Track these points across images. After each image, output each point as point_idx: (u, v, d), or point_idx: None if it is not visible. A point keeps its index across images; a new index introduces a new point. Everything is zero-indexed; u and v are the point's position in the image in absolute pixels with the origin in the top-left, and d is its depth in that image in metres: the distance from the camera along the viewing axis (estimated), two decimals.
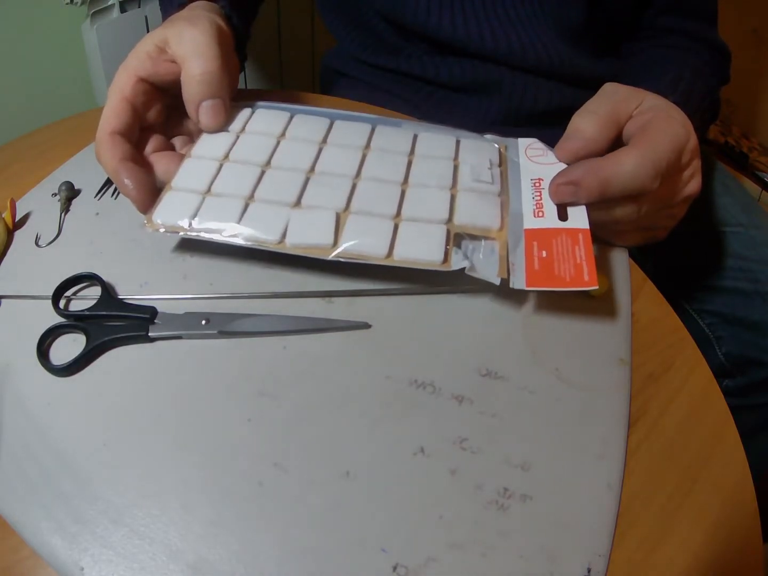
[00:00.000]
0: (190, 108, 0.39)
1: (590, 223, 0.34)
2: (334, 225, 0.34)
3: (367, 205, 0.36)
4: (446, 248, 0.34)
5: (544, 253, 0.33)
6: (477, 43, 0.54)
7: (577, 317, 0.36)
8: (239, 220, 0.35)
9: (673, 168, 0.36)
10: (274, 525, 0.27)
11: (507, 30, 0.53)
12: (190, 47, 0.38)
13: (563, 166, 0.37)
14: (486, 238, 0.35)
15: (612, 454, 0.30)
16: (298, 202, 0.36)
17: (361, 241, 0.34)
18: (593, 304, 0.36)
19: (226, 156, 0.39)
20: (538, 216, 0.35)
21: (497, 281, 0.33)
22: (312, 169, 0.38)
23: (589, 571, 0.26)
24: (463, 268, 0.33)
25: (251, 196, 0.36)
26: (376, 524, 0.27)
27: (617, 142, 0.37)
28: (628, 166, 0.34)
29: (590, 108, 0.37)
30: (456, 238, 0.34)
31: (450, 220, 0.35)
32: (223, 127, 0.40)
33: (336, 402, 0.31)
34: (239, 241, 0.34)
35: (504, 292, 0.36)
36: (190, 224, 0.35)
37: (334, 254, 0.34)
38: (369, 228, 0.34)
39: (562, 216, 0.35)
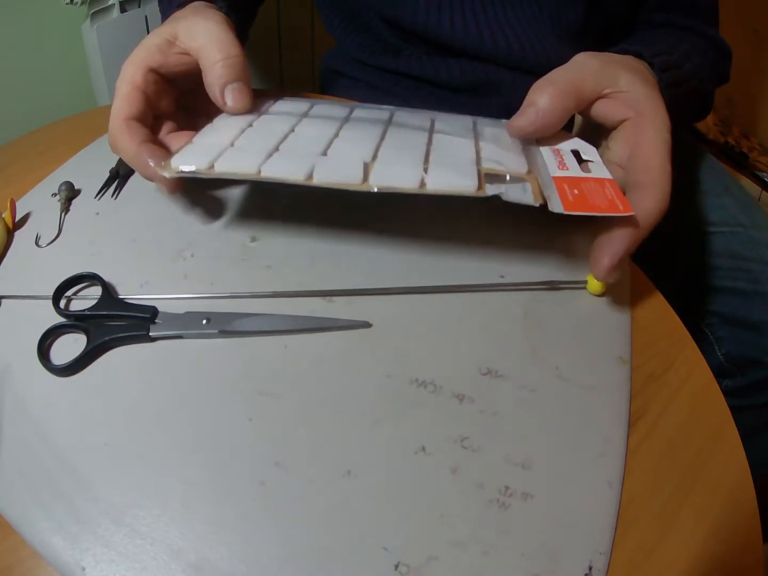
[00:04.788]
0: (215, 92, 0.39)
1: None
2: (363, 163, 0.33)
3: (396, 149, 0.35)
4: (479, 177, 0.33)
5: (576, 191, 0.33)
6: (476, 43, 0.54)
7: (577, 316, 0.36)
8: (263, 163, 0.33)
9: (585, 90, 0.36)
10: (276, 524, 0.27)
11: (506, 31, 0.53)
12: (205, 36, 0.38)
13: (578, 140, 0.37)
14: (516, 177, 0.34)
15: (612, 452, 0.30)
16: (324, 153, 0.35)
17: (392, 172, 0.33)
18: (593, 303, 0.36)
19: (250, 124, 0.38)
20: (563, 168, 0.35)
21: (535, 203, 0.32)
22: (337, 134, 0.37)
23: (590, 568, 0.26)
24: (498, 195, 0.32)
25: (276, 148, 0.35)
26: (377, 523, 0.27)
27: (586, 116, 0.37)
28: (652, 215, 0.34)
29: (551, 77, 0.36)
30: (486, 177, 0.33)
31: (478, 162, 0.35)
32: (248, 110, 0.40)
33: (337, 401, 0.31)
34: (266, 173, 0.33)
35: (504, 288, 0.37)
36: (212, 166, 0.33)
37: (365, 185, 0.32)
38: (400, 162, 0.34)
39: (585, 170, 0.35)
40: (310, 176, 0.33)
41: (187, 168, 0.33)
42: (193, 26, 0.38)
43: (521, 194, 0.33)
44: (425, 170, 0.33)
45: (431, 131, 0.39)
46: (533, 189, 0.33)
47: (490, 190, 0.32)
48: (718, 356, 0.55)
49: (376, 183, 0.32)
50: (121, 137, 0.36)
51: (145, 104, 0.38)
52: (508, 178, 0.34)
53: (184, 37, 0.38)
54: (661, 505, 0.29)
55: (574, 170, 0.35)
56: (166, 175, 0.34)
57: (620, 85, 0.35)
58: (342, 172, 0.33)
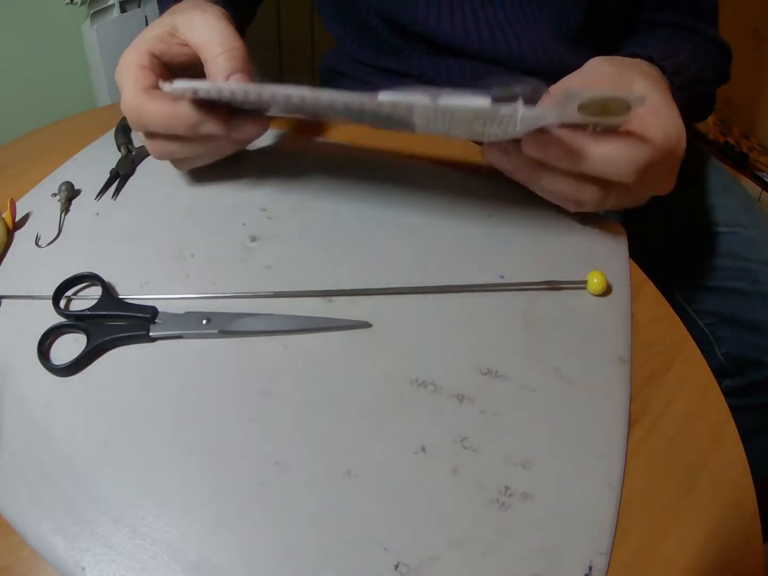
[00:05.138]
0: None
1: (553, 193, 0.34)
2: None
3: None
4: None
5: None
6: (475, 44, 0.54)
7: (577, 316, 0.36)
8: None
9: (652, 167, 0.35)
10: (276, 524, 0.27)
11: (505, 31, 0.53)
12: (206, 29, 0.38)
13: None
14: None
15: (612, 452, 0.30)
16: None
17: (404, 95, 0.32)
18: (593, 303, 0.36)
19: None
20: None
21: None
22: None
23: (590, 568, 0.26)
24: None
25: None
26: (377, 523, 0.27)
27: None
28: (604, 151, 0.33)
29: (565, 83, 0.36)
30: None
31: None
32: None
33: (337, 401, 0.31)
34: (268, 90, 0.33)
35: (504, 288, 0.37)
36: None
37: (377, 99, 0.31)
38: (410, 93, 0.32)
39: None
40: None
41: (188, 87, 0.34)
42: (192, 19, 0.39)
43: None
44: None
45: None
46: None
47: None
48: (718, 356, 0.55)
49: (389, 98, 0.31)
50: (149, 106, 0.36)
51: (155, 80, 0.38)
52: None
53: (184, 29, 0.39)
54: (661, 505, 0.29)
55: None
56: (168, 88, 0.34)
57: (635, 91, 0.35)
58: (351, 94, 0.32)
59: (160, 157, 0.41)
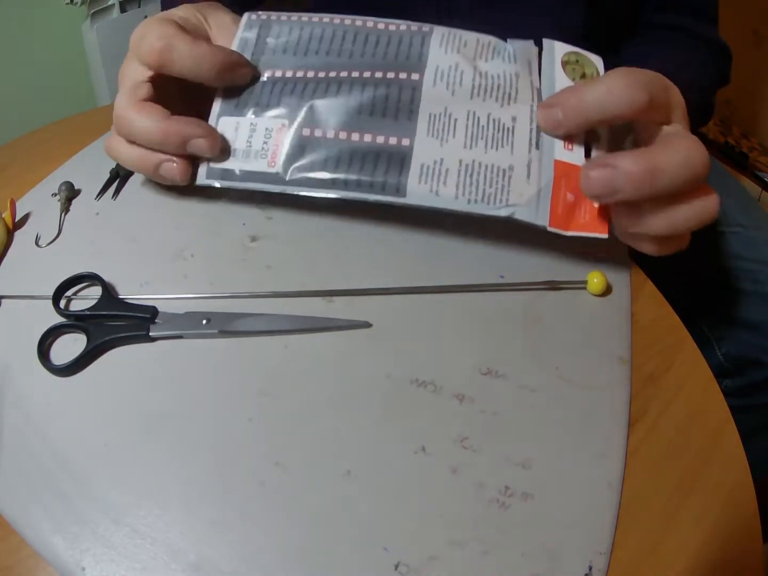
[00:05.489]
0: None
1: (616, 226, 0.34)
2: None
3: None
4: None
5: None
6: None
7: (577, 316, 0.36)
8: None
9: (659, 93, 0.32)
10: (276, 524, 0.27)
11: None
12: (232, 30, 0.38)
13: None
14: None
15: (612, 452, 0.30)
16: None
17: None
18: (593, 303, 0.36)
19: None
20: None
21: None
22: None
23: (590, 569, 0.26)
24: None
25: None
26: (377, 523, 0.27)
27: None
28: (602, 80, 0.32)
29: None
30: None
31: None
32: None
33: (337, 401, 0.31)
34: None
35: (504, 288, 0.37)
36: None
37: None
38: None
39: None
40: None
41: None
42: (223, 17, 0.39)
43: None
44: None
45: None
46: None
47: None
48: (718, 356, 0.55)
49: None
50: (208, 53, 0.35)
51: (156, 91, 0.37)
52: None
53: (214, 23, 0.38)
54: (661, 505, 0.29)
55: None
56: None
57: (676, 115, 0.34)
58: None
59: (129, 164, 0.39)
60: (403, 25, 0.39)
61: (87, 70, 0.97)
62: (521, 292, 0.37)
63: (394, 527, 0.27)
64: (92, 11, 0.90)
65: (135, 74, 0.37)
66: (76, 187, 0.43)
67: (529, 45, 0.39)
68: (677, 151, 0.30)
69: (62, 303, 0.35)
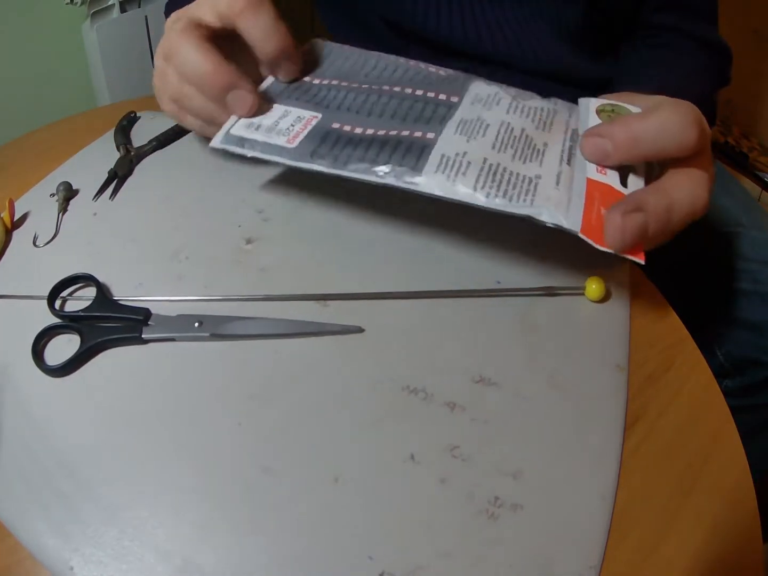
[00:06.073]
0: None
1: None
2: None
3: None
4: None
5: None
6: (475, 45, 0.54)
7: (574, 322, 0.35)
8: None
9: (702, 131, 0.32)
10: (262, 529, 0.26)
11: (505, 31, 0.53)
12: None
13: None
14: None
15: (606, 463, 0.29)
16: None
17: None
18: (591, 310, 0.36)
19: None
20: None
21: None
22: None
23: None
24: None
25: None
26: (363, 531, 0.26)
27: None
28: (656, 117, 0.31)
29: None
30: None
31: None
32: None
33: (327, 407, 0.31)
34: None
35: (500, 294, 0.36)
36: None
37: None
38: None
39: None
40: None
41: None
42: None
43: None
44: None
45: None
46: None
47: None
48: (718, 356, 0.54)
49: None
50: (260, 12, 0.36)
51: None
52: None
53: None
54: (661, 505, 0.28)
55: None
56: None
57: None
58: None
59: (174, 98, 0.39)
60: (450, 70, 0.41)
61: (87, 70, 0.97)
62: (518, 298, 0.36)
63: (380, 536, 0.26)
64: (92, 11, 0.90)
65: (199, 13, 0.37)
66: (74, 188, 0.43)
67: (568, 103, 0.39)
68: (653, 116, 0.31)
69: (57, 303, 0.35)
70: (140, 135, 0.49)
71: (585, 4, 0.52)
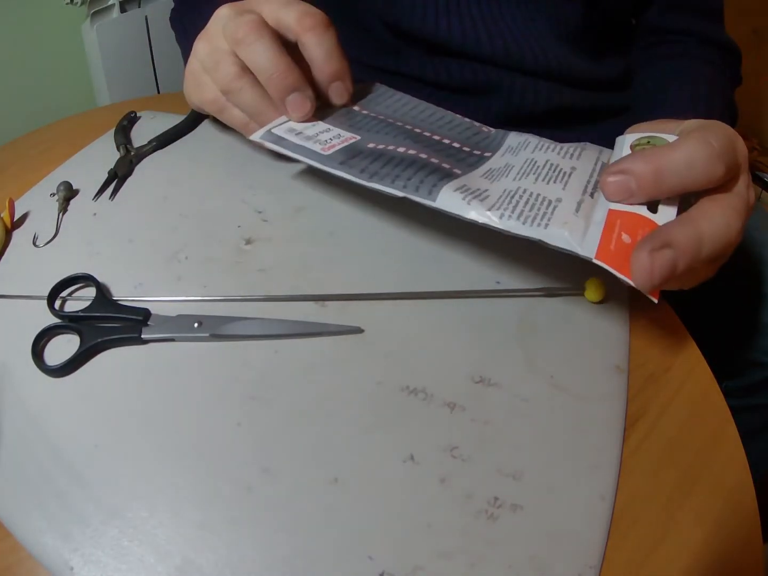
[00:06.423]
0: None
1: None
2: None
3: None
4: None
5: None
6: (473, 45, 0.54)
7: (573, 324, 0.35)
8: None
9: (732, 160, 0.30)
10: (262, 530, 0.26)
11: (503, 32, 0.53)
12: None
13: None
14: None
15: (606, 464, 0.29)
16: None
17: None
18: (590, 311, 0.36)
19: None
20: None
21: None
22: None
23: None
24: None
25: None
26: (363, 531, 0.26)
27: None
28: (681, 151, 0.29)
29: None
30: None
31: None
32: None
33: (326, 407, 0.31)
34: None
35: (500, 294, 0.36)
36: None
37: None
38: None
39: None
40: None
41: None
42: None
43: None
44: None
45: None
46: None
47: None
48: (718, 356, 0.54)
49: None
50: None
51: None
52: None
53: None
54: (661, 505, 0.28)
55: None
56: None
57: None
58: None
59: (225, 87, 0.40)
60: (492, 129, 0.42)
61: (87, 70, 0.97)
62: (517, 299, 0.36)
63: (379, 536, 0.26)
64: (92, 11, 0.90)
65: (263, 14, 0.38)
66: (74, 188, 0.43)
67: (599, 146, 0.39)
68: (678, 151, 0.29)
69: (57, 303, 0.35)
70: (140, 135, 0.49)
71: (584, 4, 0.52)
